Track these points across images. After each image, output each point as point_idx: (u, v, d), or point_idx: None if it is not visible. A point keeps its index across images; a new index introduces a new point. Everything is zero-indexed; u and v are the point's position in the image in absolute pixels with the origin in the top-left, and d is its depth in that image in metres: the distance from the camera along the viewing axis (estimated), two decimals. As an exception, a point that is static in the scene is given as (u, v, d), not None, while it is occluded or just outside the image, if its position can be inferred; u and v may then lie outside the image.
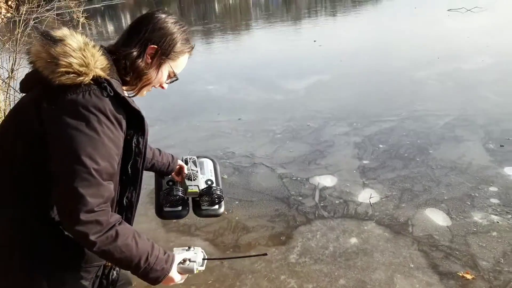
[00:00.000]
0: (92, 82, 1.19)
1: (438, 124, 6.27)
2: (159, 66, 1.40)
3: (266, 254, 2.02)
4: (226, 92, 8.54)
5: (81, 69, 1.16)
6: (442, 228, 3.69)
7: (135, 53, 1.33)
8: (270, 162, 5.26)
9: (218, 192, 1.95)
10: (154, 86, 1.47)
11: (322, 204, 4.20)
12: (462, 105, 6.94)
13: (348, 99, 7.80)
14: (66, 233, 1.25)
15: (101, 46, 1.32)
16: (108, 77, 1.22)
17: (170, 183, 2.04)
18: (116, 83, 1.25)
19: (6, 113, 3.27)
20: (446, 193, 4.31)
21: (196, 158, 2.17)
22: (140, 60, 1.34)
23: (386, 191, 4.41)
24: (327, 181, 4.72)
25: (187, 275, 1.46)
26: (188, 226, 3.89)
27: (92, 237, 1.12)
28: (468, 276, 3.03)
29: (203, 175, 2.08)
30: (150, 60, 1.37)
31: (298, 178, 4.79)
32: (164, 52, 1.38)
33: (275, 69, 10.39)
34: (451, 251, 3.36)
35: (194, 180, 1.99)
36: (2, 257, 1.25)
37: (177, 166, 2.03)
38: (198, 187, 1.96)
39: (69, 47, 1.18)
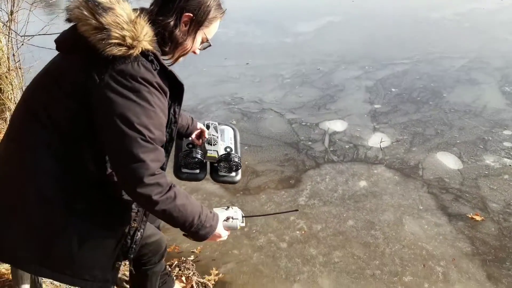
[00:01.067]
0: (139, 54, 1.21)
1: (453, 67, 6.06)
2: (194, 34, 1.39)
3: (297, 210, 2.15)
4: (233, 36, 8.28)
5: (133, 42, 1.18)
6: (453, 171, 3.67)
7: (172, 23, 1.32)
8: (279, 108, 5.17)
9: (236, 160, 1.94)
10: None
11: (331, 149, 4.17)
12: (478, 47, 6.67)
13: (360, 41, 7.52)
14: (103, 193, 1.35)
15: (144, 13, 1.28)
16: (154, 50, 1.25)
17: (190, 145, 2.05)
18: (159, 55, 1.28)
19: (8, 59, 3.16)
20: (458, 136, 4.23)
21: (217, 124, 2.15)
22: (177, 30, 1.34)
23: (397, 135, 4.35)
24: (337, 126, 4.65)
25: (230, 231, 1.59)
26: (198, 171, 3.91)
27: (155, 197, 1.22)
28: (477, 218, 3.04)
29: (223, 142, 2.08)
30: (185, 29, 1.36)
31: (308, 123, 4.73)
32: (199, 20, 1.37)
33: (284, 10, 9.97)
34: (461, 193, 3.35)
35: (214, 145, 1.99)
36: (47, 211, 1.29)
37: (197, 129, 1.98)
38: (217, 153, 1.96)
39: (121, 18, 1.19)
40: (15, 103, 3.62)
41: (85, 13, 1.18)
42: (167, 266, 2.40)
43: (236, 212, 1.63)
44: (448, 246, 2.81)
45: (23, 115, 1.34)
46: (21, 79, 3.75)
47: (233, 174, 2.03)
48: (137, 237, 1.46)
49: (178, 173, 1.97)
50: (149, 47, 1.23)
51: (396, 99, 5.20)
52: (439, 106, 4.94)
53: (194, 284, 2.46)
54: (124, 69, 1.18)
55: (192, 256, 2.81)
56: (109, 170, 1.39)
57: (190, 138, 2.03)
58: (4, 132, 1.53)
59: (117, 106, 1.17)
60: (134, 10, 1.28)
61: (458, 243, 2.83)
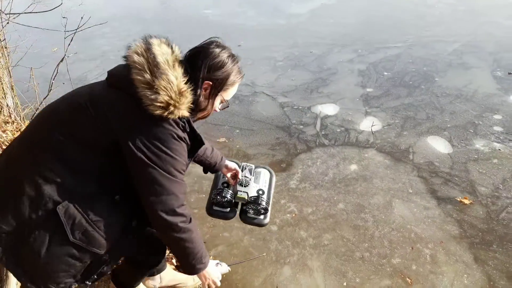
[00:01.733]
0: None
1: (446, 51, 6.04)
2: (213, 99, 1.55)
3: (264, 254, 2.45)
4: (225, 17, 8.15)
5: (174, 110, 1.36)
6: (443, 155, 3.69)
7: (198, 91, 1.47)
8: (271, 91, 5.13)
9: (264, 204, 2.06)
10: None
11: (323, 133, 4.16)
12: (472, 30, 6.64)
13: (354, 24, 7.45)
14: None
15: (189, 84, 1.43)
16: (188, 116, 1.44)
17: (225, 185, 2.18)
18: (191, 119, 1.49)
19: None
20: (449, 121, 4.25)
21: (253, 167, 2.27)
22: (201, 98, 1.49)
23: (388, 119, 4.35)
24: (329, 109, 4.64)
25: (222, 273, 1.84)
26: (189, 154, 3.89)
27: (180, 225, 1.45)
28: (466, 201, 3.08)
29: (257, 184, 2.18)
30: (205, 93, 1.52)
31: (300, 107, 4.71)
32: (218, 87, 1.53)
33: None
34: (450, 177, 3.38)
35: (245, 186, 2.13)
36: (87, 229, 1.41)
37: (228, 169, 2.15)
38: (247, 194, 2.09)
39: (171, 86, 1.35)
40: (1, 83, 3.54)
41: (144, 65, 1.35)
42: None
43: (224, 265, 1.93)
44: (436, 229, 2.84)
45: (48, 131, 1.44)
46: (7, 59, 3.66)
47: (262, 217, 2.14)
48: (104, 270, 1.54)
49: (209, 210, 2.16)
50: (186, 114, 1.42)
51: (388, 83, 5.18)
52: (431, 90, 4.94)
53: (184, 267, 2.47)
54: (160, 127, 1.37)
55: (182, 239, 2.81)
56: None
57: (226, 178, 2.21)
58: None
59: (152, 152, 1.37)
60: (181, 64, 1.43)
61: (446, 226, 2.86)
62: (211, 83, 1.50)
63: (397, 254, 2.64)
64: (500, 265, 2.53)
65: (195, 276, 2.36)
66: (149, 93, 1.33)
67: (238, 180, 2.15)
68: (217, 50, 1.51)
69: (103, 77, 1.53)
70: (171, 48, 1.45)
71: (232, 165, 2.14)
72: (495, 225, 2.85)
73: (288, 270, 2.56)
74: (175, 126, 1.40)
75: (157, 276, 2.18)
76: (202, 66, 1.47)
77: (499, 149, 3.73)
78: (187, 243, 1.49)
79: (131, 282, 2.01)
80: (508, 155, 3.64)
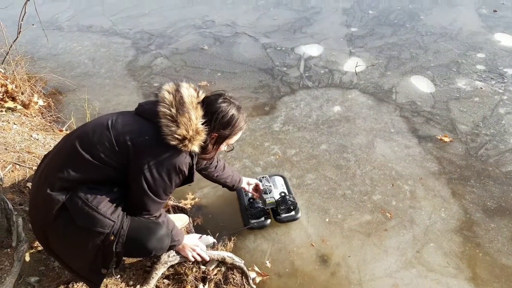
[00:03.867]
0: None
1: (433, -13, 5.86)
2: (218, 146, 1.77)
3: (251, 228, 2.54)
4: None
5: (188, 144, 1.55)
6: (425, 95, 3.69)
7: (207, 139, 1.66)
8: (253, 31, 4.96)
9: (292, 199, 2.42)
10: None
11: (307, 74, 4.09)
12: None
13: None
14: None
15: (206, 124, 1.63)
16: (197, 152, 1.63)
17: (251, 200, 2.53)
18: (198, 156, 1.71)
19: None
20: (433, 60, 4.21)
21: (268, 176, 2.61)
22: (209, 145, 1.69)
23: (372, 59, 4.29)
24: (312, 50, 4.53)
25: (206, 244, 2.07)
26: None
27: (152, 219, 1.73)
28: (446, 139, 3.13)
29: (277, 189, 2.59)
30: (212, 141, 1.71)
31: (283, 48, 4.58)
32: (224, 139, 1.74)
33: None
34: (432, 116, 3.41)
35: (269, 193, 2.49)
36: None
37: (246, 185, 2.48)
38: (274, 198, 2.46)
39: (190, 123, 1.55)
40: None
41: (172, 102, 1.56)
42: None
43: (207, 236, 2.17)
44: (416, 166, 2.91)
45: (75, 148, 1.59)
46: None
47: (293, 213, 2.49)
48: (118, 249, 1.61)
49: (248, 224, 2.46)
50: (196, 150, 1.61)
51: (373, 22, 5.05)
52: (416, 29, 4.85)
53: (170, 208, 2.49)
54: (170, 156, 1.56)
55: (167, 182, 2.82)
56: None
57: (250, 194, 2.58)
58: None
59: (150, 176, 1.56)
60: (202, 107, 1.64)
61: (426, 163, 2.93)
62: (217, 135, 1.70)
63: (378, 191, 2.71)
64: (476, 199, 2.63)
65: (183, 217, 2.44)
66: (171, 124, 1.53)
67: (262, 190, 2.51)
68: (225, 105, 1.68)
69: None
70: (197, 92, 1.67)
71: (252, 180, 2.49)
72: (473, 161, 2.93)
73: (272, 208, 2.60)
74: (184, 158, 1.59)
75: None
76: (212, 120, 1.64)
77: (481, 88, 3.75)
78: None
79: None
80: (489, 93, 3.67)
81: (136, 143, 1.55)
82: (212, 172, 2.27)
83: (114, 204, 1.61)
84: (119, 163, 1.56)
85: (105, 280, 1.90)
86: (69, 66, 4.41)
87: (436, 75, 3.96)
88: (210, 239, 2.13)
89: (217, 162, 2.30)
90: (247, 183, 2.49)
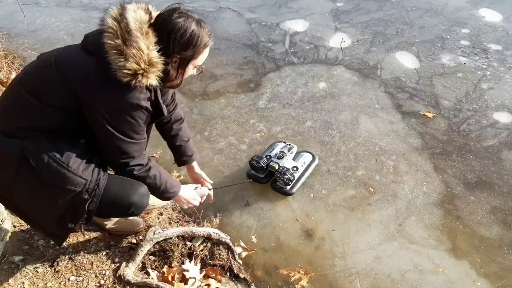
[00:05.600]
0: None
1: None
2: (183, 70, 1.55)
3: (251, 180, 2.59)
4: None
5: (142, 79, 1.37)
6: (410, 71, 3.70)
7: (167, 64, 1.46)
8: (237, 6, 4.86)
9: (288, 176, 2.45)
10: None
11: (292, 50, 4.05)
12: None
13: None
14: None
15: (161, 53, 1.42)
16: (155, 84, 1.44)
17: (268, 156, 2.63)
18: (158, 88, 1.52)
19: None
20: (418, 35, 4.20)
21: (295, 147, 2.72)
22: (171, 70, 1.50)
23: (358, 35, 4.26)
24: (298, 25, 4.47)
25: (197, 202, 1.97)
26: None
27: (136, 173, 1.60)
28: (429, 115, 3.16)
29: (294, 162, 2.62)
30: (175, 65, 1.51)
31: (268, 23, 4.51)
32: (187, 60, 1.52)
33: None
34: (416, 92, 3.43)
35: (279, 159, 2.58)
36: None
37: (190, 172, 2.21)
38: (278, 165, 2.54)
39: (140, 53, 1.34)
40: None
41: (117, 31, 1.34)
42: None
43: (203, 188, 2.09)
44: (399, 142, 2.94)
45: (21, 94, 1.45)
46: None
47: (288, 187, 2.52)
48: (91, 208, 1.54)
49: (247, 171, 2.67)
50: (154, 83, 1.42)
51: (359, -3, 5.00)
52: (401, 4, 4.82)
53: (155, 187, 2.48)
54: (124, 94, 1.39)
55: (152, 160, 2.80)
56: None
57: (273, 151, 2.68)
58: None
59: (113, 119, 1.42)
60: (155, 32, 1.41)
61: (409, 139, 2.96)
62: (180, 57, 1.49)
63: (362, 166, 2.74)
64: (458, 173, 2.69)
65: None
66: (118, 58, 1.33)
67: (276, 153, 2.64)
68: (181, 21, 1.44)
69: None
70: (149, 14, 1.42)
71: (199, 175, 2.18)
72: (456, 136, 2.98)
73: (257, 185, 2.62)
74: (139, 94, 1.42)
75: None
76: (169, 41, 1.43)
77: (465, 63, 3.77)
78: (149, 181, 1.64)
79: None
80: (473, 68, 3.69)
81: (84, 84, 1.39)
82: (171, 130, 2.03)
83: (85, 160, 1.50)
84: (70, 106, 1.42)
85: (90, 257, 1.91)
86: (48, 42, 4.27)
87: (421, 50, 3.96)
88: (206, 191, 2.06)
89: (181, 118, 2.06)
90: (191, 170, 2.17)
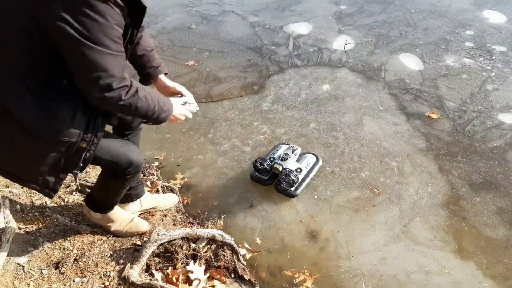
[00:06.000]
0: None
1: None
2: None
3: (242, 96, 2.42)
4: None
5: None
6: (414, 72, 3.70)
7: None
8: (240, 10, 4.88)
9: (292, 177, 2.45)
10: None
11: (295, 53, 4.06)
12: None
13: None
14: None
15: None
16: None
17: (272, 158, 2.63)
18: None
19: None
20: (422, 37, 4.20)
21: (298, 149, 2.70)
22: None
23: (361, 37, 4.26)
24: (301, 28, 4.48)
25: (190, 115, 1.75)
26: (158, 79, 3.74)
27: (124, 97, 1.34)
28: (434, 116, 3.15)
29: (298, 163, 2.62)
30: None
31: (271, 26, 4.52)
32: None
33: None
34: (420, 93, 3.42)
35: (283, 160, 2.58)
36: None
37: (158, 84, 1.82)
38: (282, 167, 2.53)
39: None
40: None
41: None
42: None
43: (189, 97, 1.80)
44: (404, 143, 2.93)
45: None
46: None
47: (292, 189, 2.52)
48: (87, 157, 1.49)
49: (251, 174, 2.67)
50: None
51: (362, -1, 5.01)
52: (405, 6, 4.82)
53: (159, 188, 2.49)
54: None
55: (156, 162, 2.81)
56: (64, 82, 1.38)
57: (276, 153, 2.66)
58: None
59: (76, 18, 1.17)
60: None
61: (414, 140, 2.95)
62: None
63: (366, 168, 2.74)
64: (463, 174, 2.67)
65: (172, 196, 2.41)
66: None
67: (279, 155, 2.62)
68: None
69: None
70: None
71: (173, 88, 1.80)
72: (461, 138, 2.96)
73: (261, 187, 2.62)
74: None
75: (137, 201, 2.18)
76: None
77: (469, 65, 3.76)
78: (139, 104, 1.40)
79: (108, 200, 1.93)
80: (477, 70, 3.68)
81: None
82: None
83: (74, 105, 1.38)
84: (30, 27, 1.22)
85: (94, 259, 1.91)
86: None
87: (425, 52, 3.96)
88: (195, 107, 1.80)
89: (142, 25, 1.63)
90: (161, 84, 1.80)
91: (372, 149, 2.88)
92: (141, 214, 2.25)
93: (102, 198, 1.92)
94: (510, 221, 2.36)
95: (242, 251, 2.15)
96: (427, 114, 3.17)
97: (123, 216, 2.06)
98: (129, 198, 2.12)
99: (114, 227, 2.05)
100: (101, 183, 1.89)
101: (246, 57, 4.02)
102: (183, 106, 1.71)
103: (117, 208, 2.01)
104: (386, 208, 2.46)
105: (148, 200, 2.25)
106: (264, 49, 4.14)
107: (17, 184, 1.91)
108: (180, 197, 2.52)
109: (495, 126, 3.06)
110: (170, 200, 2.39)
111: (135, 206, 2.18)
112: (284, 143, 2.82)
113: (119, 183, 1.80)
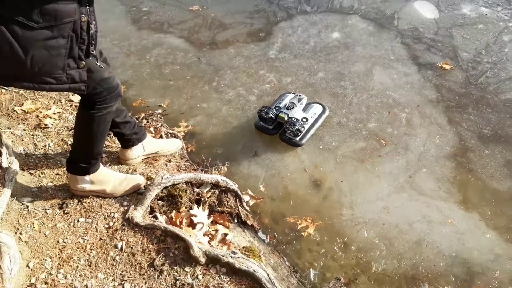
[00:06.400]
0: None
1: None
2: None
3: None
4: None
5: None
6: (429, 21, 3.53)
7: None
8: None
9: (298, 127, 2.40)
10: None
11: (305, -1, 3.87)
12: None
13: None
14: None
15: None
16: None
17: (277, 107, 2.58)
18: None
19: None
20: (439, -16, 3.98)
21: (305, 98, 2.62)
22: None
23: (375, -17, 4.04)
24: (312, -27, 4.25)
25: None
26: (161, 24, 3.61)
27: None
28: (447, 67, 3.03)
29: (304, 113, 2.56)
30: None
31: (280, -30, 4.29)
32: None
33: None
34: (433, 43, 3.28)
35: (288, 109, 2.53)
36: None
37: None
38: (288, 115, 2.48)
39: None
40: None
41: None
42: (137, 120, 2.34)
43: None
44: (414, 94, 2.84)
45: None
46: None
47: (297, 138, 2.48)
48: (92, 31, 1.44)
49: (256, 123, 2.64)
50: None
51: None
52: (423, -50, 4.53)
53: (163, 134, 2.46)
54: None
55: (159, 109, 2.77)
56: None
57: (283, 102, 2.62)
58: None
59: None
60: None
61: (424, 91, 2.86)
62: None
63: (374, 118, 2.68)
64: (472, 126, 2.61)
65: (175, 141, 2.37)
66: None
67: (285, 104, 2.57)
68: None
69: None
70: None
71: None
72: (473, 89, 2.87)
73: (266, 136, 2.58)
74: None
75: (139, 145, 2.15)
76: None
77: (486, 14, 3.57)
78: None
79: (90, 149, 1.78)
80: (495, 20, 3.51)
81: None
82: None
83: None
84: None
85: (98, 200, 1.92)
86: None
87: (441, 0, 3.75)
88: None
89: None
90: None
91: (381, 99, 2.81)
92: (145, 158, 2.24)
93: (84, 149, 1.79)
94: (517, 174, 2.33)
95: (245, 198, 2.15)
96: (439, 65, 3.06)
97: (114, 175, 1.98)
98: (130, 142, 2.09)
99: (109, 188, 1.93)
100: (80, 130, 1.77)
101: (253, 2, 3.85)
102: None
103: (104, 168, 1.94)
104: (392, 159, 2.42)
105: (151, 144, 2.23)
106: (272, -6, 3.95)
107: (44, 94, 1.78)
108: (184, 144, 2.50)
109: (509, 78, 2.95)
110: (174, 145, 2.37)
111: (138, 150, 2.16)
112: (290, 92, 2.75)
113: (98, 119, 1.67)
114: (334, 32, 3.45)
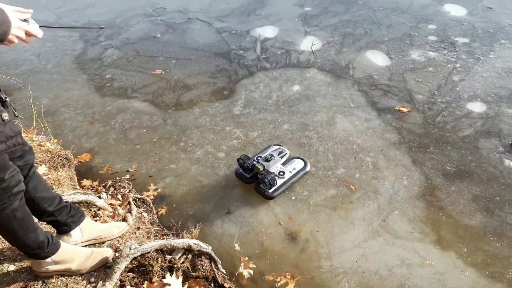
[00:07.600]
0: None
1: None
2: None
3: (103, 28, 1.92)
4: None
5: None
6: (382, 68, 3.73)
7: None
8: (206, 16, 4.84)
9: (269, 179, 2.42)
10: None
11: (264, 56, 4.03)
12: None
13: None
14: None
15: None
16: None
17: (258, 158, 2.63)
18: None
19: None
20: (386, 34, 4.26)
21: (287, 152, 2.70)
22: None
23: (328, 37, 4.28)
24: (268, 32, 4.47)
25: (37, 32, 1.42)
26: (124, 89, 3.64)
27: None
28: (404, 109, 3.18)
29: (282, 166, 2.61)
30: None
31: (238, 31, 4.50)
32: None
33: None
34: (389, 88, 3.45)
35: (266, 161, 2.59)
36: None
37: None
38: (264, 167, 2.53)
39: None
40: None
41: None
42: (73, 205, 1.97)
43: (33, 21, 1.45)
44: (377, 138, 2.93)
45: None
46: None
47: (270, 191, 2.47)
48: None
49: (236, 169, 2.67)
50: None
51: (326, 0, 5.05)
52: (368, 5, 4.89)
53: (131, 201, 2.38)
54: None
55: (127, 175, 2.71)
56: None
57: (265, 155, 2.64)
58: None
59: None
60: None
61: (386, 135, 2.96)
62: None
63: (341, 165, 2.72)
64: (436, 164, 2.69)
65: (119, 224, 2.16)
66: None
67: (264, 157, 2.62)
68: None
69: None
70: None
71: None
72: (432, 129, 2.99)
73: (238, 192, 2.56)
74: None
75: (77, 229, 1.95)
76: None
77: (434, 58, 3.83)
78: None
79: (22, 240, 1.62)
80: (442, 62, 3.75)
81: None
82: None
83: None
84: None
85: (64, 279, 1.79)
86: (14, 63, 4.14)
87: (391, 48, 4.01)
88: (39, 31, 1.45)
89: None
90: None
91: (345, 146, 2.87)
92: (85, 246, 2.00)
93: (18, 245, 1.67)
94: (486, 207, 2.38)
95: (241, 269, 2.07)
96: (397, 108, 3.20)
97: (79, 251, 1.85)
98: (66, 227, 1.90)
99: (74, 266, 1.82)
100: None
101: (214, 63, 3.97)
102: (24, 22, 1.40)
103: (66, 245, 1.83)
104: (364, 204, 2.44)
105: (89, 226, 2.02)
106: (232, 54, 4.10)
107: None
108: (154, 208, 2.43)
109: (464, 115, 3.10)
110: (116, 228, 2.14)
111: (75, 236, 1.95)
112: (277, 145, 2.81)
113: (9, 214, 1.51)
114: (294, 85, 3.57)
